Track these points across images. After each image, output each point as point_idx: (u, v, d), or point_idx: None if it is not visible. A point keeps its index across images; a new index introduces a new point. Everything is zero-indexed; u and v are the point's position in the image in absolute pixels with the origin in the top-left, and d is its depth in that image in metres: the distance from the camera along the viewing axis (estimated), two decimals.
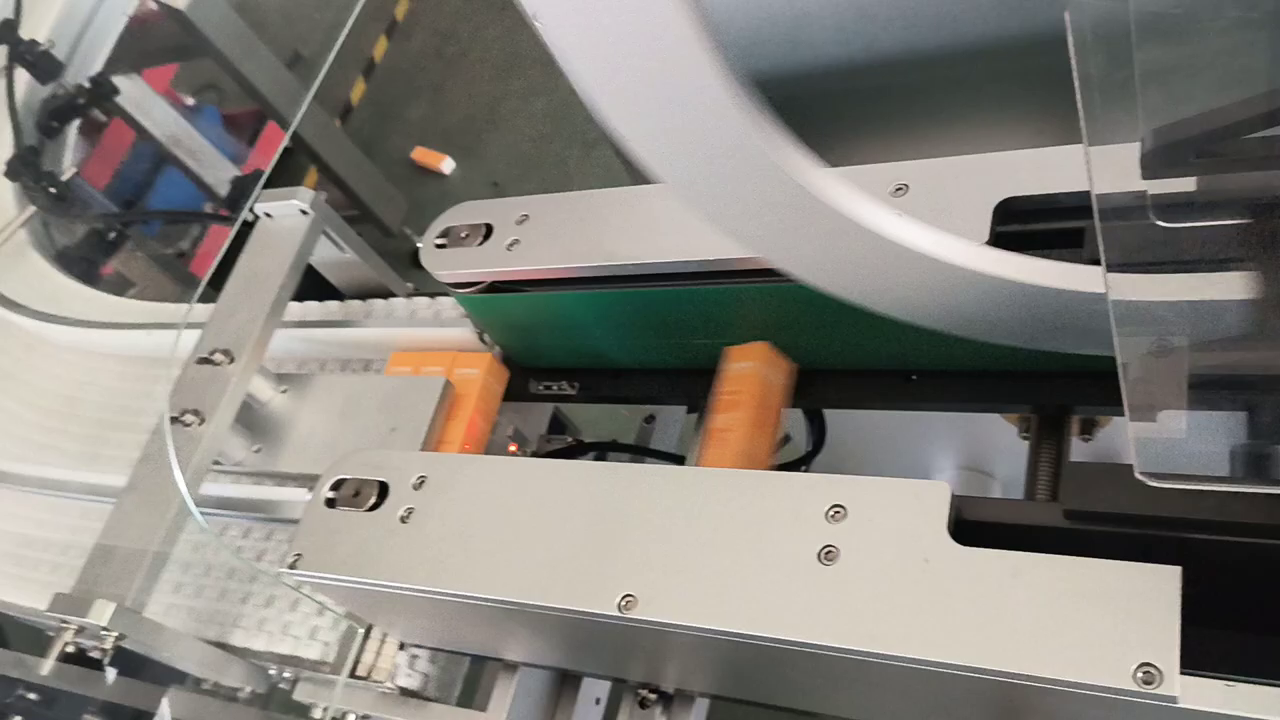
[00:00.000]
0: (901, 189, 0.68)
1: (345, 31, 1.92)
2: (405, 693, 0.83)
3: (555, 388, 0.91)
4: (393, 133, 3.23)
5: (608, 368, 0.89)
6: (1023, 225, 0.65)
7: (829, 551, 0.56)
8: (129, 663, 0.90)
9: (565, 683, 0.83)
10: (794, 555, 0.56)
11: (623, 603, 0.59)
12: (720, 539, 0.59)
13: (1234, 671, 0.48)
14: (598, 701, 0.87)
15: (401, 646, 0.84)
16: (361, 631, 0.83)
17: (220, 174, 2.48)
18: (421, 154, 3.06)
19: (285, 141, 1.66)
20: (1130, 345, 0.47)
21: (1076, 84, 0.37)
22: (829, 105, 0.85)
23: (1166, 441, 0.51)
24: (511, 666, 0.80)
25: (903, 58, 0.78)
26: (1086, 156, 0.40)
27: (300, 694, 0.87)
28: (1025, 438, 0.80)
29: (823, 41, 0.80)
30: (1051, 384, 0.74)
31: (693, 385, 0.86)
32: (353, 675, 0.83)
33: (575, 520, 0.64)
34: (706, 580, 0.58)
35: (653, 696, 0.74)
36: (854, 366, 0.78)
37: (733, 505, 0.60)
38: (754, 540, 0.58)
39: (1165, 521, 0.51)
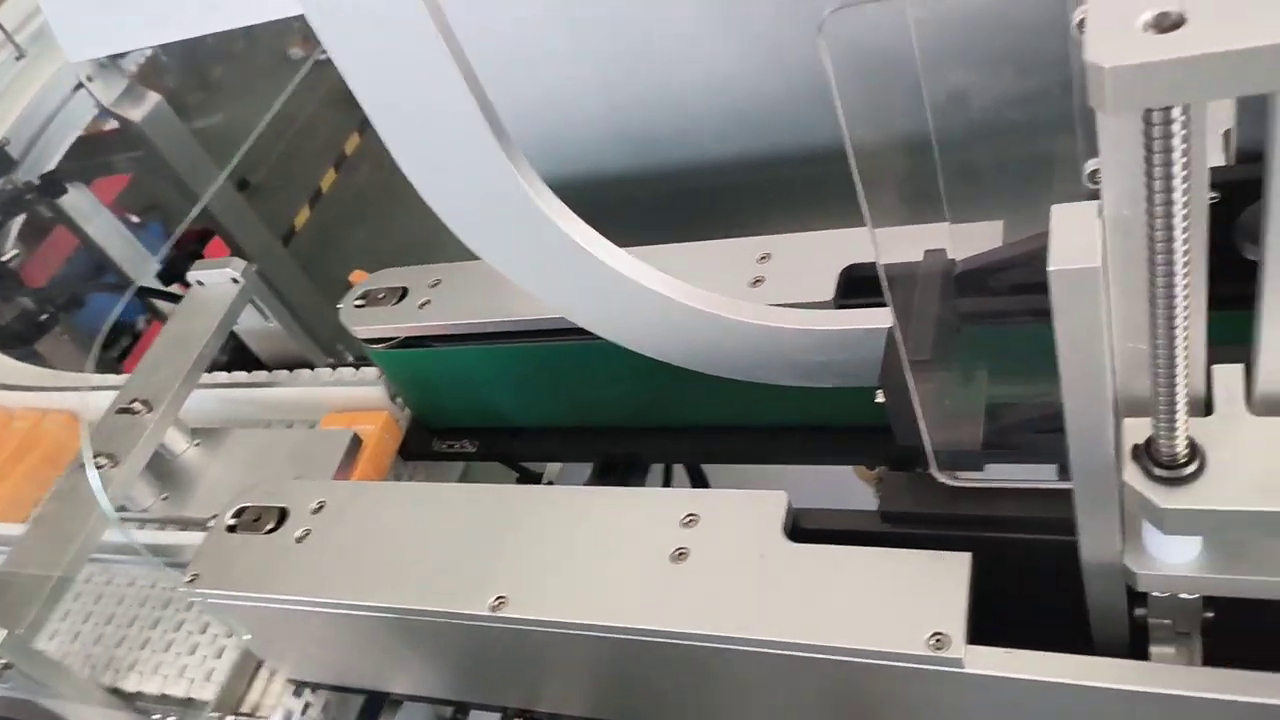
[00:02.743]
0: (766, 256, 0.78)
1: (263, 125, 2.00)
2: None
3: (457, 446, 0.97)
4: (333, 256, 3.33)
5: (506, 427, 0.95)
6: (861, 294, 0.75)
7: (680, 552, 0.62)
8: None
9: None
10: (650, 557, 0.63)
11: (495, 603, 0.64)
12: (586, 546, 0.65)
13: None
14: None
15: (296, 692, 0.86)
16: (250, 671, 0.85)
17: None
18: (359, 276, 3.16)
19: (196, 211, 1.73)
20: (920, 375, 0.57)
21: (857, 181, 0.50)
22: (712, 195, 0.96)
23: (961, 451, 0.60)
24: (395, 704, 0.83)
25: (768, 157, 0.90)
26: (872, 236, 0.52)
27: None
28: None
29: (708, 140, 0.92)
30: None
31: (587, 443, 0.93)
32: (236, 714, 0.84)
33: (454, 534, 0.70)
34: (572, 582, 0.64)
35: None
36: (728, 422, 0.86)
37: (598, 516, 0.66)
38: (616, 546, 0.64)
39: (964, 520, 0.59)
